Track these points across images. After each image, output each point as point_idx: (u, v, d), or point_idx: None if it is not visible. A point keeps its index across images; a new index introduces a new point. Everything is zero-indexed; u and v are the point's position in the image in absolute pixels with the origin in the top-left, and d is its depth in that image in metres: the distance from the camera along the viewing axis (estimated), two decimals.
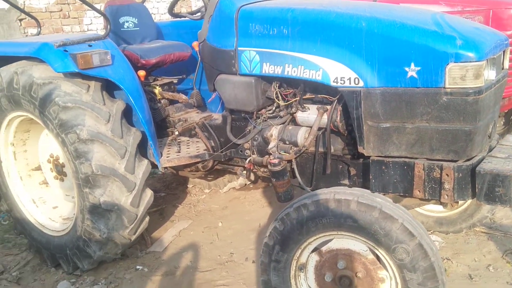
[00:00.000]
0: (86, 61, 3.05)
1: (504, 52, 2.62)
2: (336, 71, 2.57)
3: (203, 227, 4.15)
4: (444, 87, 2.29)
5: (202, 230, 4.10)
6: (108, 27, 3.35)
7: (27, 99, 3.22)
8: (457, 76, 2.25)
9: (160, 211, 4.55)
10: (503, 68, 2.64)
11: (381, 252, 2.22)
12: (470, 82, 2.24)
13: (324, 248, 2.39)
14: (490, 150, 2.58)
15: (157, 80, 3.99)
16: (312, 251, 2.43)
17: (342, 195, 2.24)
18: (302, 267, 2.46)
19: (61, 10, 7.25)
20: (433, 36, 2.29)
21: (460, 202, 3.41)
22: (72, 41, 3.17)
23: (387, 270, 2.26)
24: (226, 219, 4.29)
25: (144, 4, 4.40)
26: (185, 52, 3.96)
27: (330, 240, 2.37)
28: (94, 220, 3.18)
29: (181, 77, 4.06)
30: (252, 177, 4.40)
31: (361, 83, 2.50)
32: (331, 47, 2.57)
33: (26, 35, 6.92)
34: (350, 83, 2.54)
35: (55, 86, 3.12)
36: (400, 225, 2.13)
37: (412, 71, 2.34)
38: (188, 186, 5.14)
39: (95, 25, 7.78)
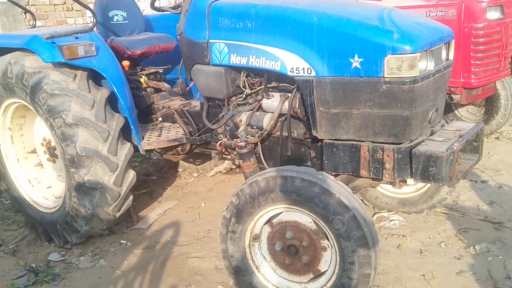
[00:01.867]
0: (72, 52, 3.35)
1: (448, 44, 2.85)
2: (292, 62, 2.82)
3: (187, 207, 4.45)
4: (384, 77, 2.53)
5: (186, 210, 4.40)
6: (94, 20, 3.64)
7: (19, 87, 3.53)
8: (394, 67, 2.49)
9: (149, 193, 4.86)
10: (448, 59, 2.87)
11: (322, 223, 2.48)
12: (405, 72, 2.48)
13: (275, 220, 2.67)
14: (432, 134, 2.82)
15: (144, 70, 4.27)
16: (265, 223, 2.71)
17: (288, 172, 2.50)
18: (256, 238, 2.74)
19: (65, 3, 7.53)
20: (373, 30, 2.53)
21: (420, 184, 3.67)
22: (60, 33, 3.46)
23: (328, 239, 2.53)
24: (209, 200, 4.58)
25: None
26: (170, 44, 4.23)
27: (280, 213, 2.65)
28: (79, 197, 3.49)
29: (166, 67, 4.34)
30: (236, 162, 4.71)
31: (313, 73, 2.75)
32: (288, 40, 2.82)
33: (30, 27, 7.25)
34: (304, 73, 2.79)
35: (44, 75, 3.42)
36: (337, 199, 2.39)
37: (356, 62, 2.59)
38: (178, 170, 5.43)
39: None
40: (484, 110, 5.59)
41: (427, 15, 4.64)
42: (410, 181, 3.55)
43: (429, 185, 3.65)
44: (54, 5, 7.44)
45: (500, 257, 3.11)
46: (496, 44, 4.62)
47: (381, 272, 3.07)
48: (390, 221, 3.72)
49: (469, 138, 2.73)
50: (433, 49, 2.61)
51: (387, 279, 3.00)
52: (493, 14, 4.48)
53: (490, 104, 5.45)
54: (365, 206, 3.90)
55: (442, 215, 3.76)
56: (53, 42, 3.38)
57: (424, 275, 3.00)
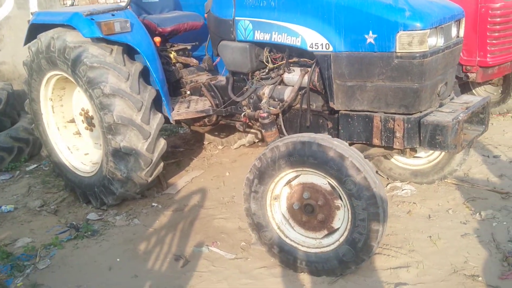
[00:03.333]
0: (109, 28, 3.65)
1: (459, 22, 3.04)
2: (311, 38, 3.07)
3: (213, 176, 4.77)
4: (396, 52, 2.76)
5: (211, 178, 4.72)
6: None
7: (61, 60, 3.85)
8: (405, 42, 2.71)
9: (178, 163, 5.20)
10: (458, 36, 3.07)
11: (335, 184, 2.75)
12: (416, 47, 2.70)
13: (293, 182, 2.95)
14: (441, 106, 3.04)
15: (174, 46, 4.55)
16: (285, 185, 2.99)
17: (306, 138, 2.77)
18: (276, 198, 3.03)
19: None
20: (387, 8, 2.75)
21: (432, 156, 3.89)
22: (98, 11, 3.76)
23: (341, 199, 2.79)
24: (233, 170, 4.88)
25: None
26: (198, 22, 4.49)
27: (298, 176, 2.92)
28: (116, 162, 3.83)
29: (194, 44, 4.60)
30: (258, 136, 4.99)
31: (331, 48, 2.99)
32: (308, 17, 3.06)
33: (64, 5, 7.61)
34: (322, 48, 3.03)
35: (84, 49, 3.74)
36: (349, 162, 2.64)
37: (370, 38, 2.81)
38: (204, 143, 5.75)
39: None
40: (501, 89, 5.70)
41: None
42: (422, 153, 3.81)
43: (440, 157, 3.87)
44: None
45: (504, 223, 3.33)
46: None
47: (391, 233, 3.33)
48: (402, 190, 3.96)
49: (475, 110, 2.94)
50: (443, 26, 2.81)
51: (396, 239, 3.26)
52: None
53: (507, 84, 5.55)
54: (379, 177, 4.17)
55: (452, 185, 3.98)
56: (92, 19, 3.68)
57: (430, 237, 3.25)
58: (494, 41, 4.68)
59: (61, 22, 3.84)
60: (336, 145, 2.71)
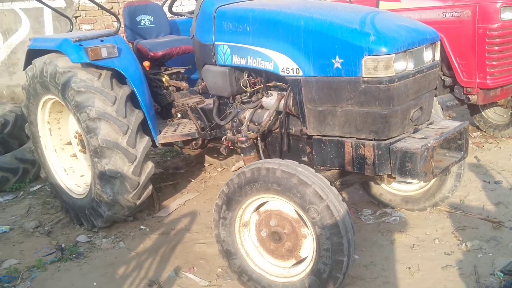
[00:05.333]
0: (95, 54, 3.73)
1: (434, 45, 2.95)
2: (283, 62, 3.04)
3: (206, 199, 4.76)
4: (362, 76, 2.69)
5: (204, 201, 4.71)
6: (118, 25, 4.02)
7: (53, 84, 3.97)
8: (371, 67, 2.65)
9: (175, 185, 5.21)
10: (434, 60, 2.97)
11: (300, 212, 2.68)
12: (381, 72, 2.64)
13: (261, 209, 2.90)
14: (416, 132, 2.93)
15: (168, 70, 4.61)
16: (254, 211, 2.94)
17: (270, 164, 2.72)
18: (245, 224, 2.98)
19: (112, 8, 8.08)
20: (352, 33, 2.70)
21: (423, 182, 3.74)
22: (87, 37, 3.86)
23: (308, 227, 2.72)
24: None
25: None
26: (191, 46, 4.53)
27: (266, 202, 2.87)
28: (102, 185, 3.88)
29: (187, 67, 4.65)
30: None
31: (301, 73, 2.95)
32: (279, 42, 3.04)
33: (81, 31, 7.87)
34: (293, 73, 3.00)
35: (73, 74, 3.83)
36: (312, 190, 2.58)
37: (337, 62, 2.77)
38: (205, 165, 5.76)
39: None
40: (511, 111, 5.47)
41: (444, 16, 4.66)
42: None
43: (431, 183, 3.72)
44: (102, 10, 7.99)
45: (490, 254, 3.16)
46: None
47: (370, 263, 3.22)
48: (392, 217, 3.83)
49: (449, 136, 2.83)
50: (412, 50, 2.73)
51: (373, 269, 3.14)
52: (508, 15, 4.43)
53: None
54: (371, 203, 4.07)
55: (444, 213, 3.82)
56: (80, 45, 3.78)
57: (409, 268, 3.11)
58: (493, 63, 4.53)
59: (52, 48, 3.96)
60: (299, 172, 2.65)
